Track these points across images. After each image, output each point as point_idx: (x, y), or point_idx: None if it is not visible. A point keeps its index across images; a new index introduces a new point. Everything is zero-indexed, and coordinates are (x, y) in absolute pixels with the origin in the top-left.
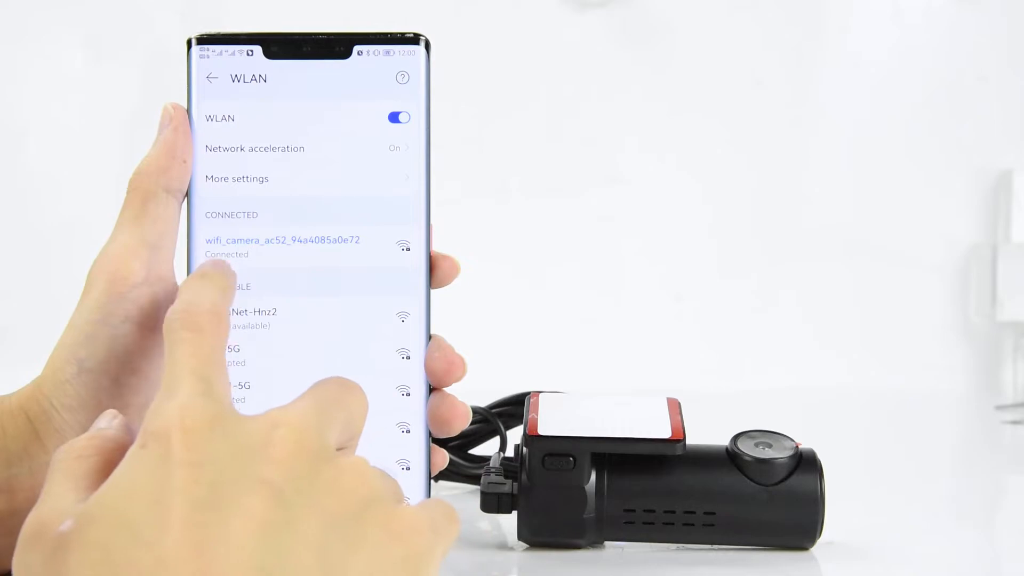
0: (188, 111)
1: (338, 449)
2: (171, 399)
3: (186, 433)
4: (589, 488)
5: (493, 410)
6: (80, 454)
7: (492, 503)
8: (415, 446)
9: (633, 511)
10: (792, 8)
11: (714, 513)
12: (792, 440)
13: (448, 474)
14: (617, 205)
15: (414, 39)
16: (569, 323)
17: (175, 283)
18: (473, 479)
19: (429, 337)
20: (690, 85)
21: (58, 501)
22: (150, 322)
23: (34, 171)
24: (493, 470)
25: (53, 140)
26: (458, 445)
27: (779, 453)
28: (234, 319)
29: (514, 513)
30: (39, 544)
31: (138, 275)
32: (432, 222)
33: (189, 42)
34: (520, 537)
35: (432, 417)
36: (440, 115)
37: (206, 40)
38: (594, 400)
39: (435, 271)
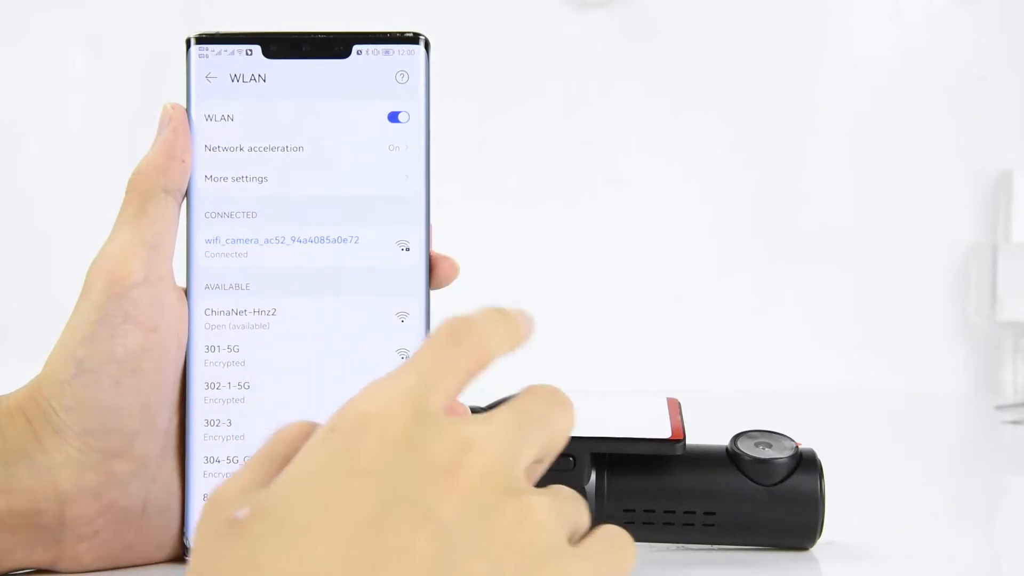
0: (187, 111)
1: (535, 462)
2: (385, 387)
3: (381, 433)
4: (589, 488)
5: None
6: (287, 438)
7: None
8: None
9: (633, 511)
10: (792, 8)
11: (714, 513)
12: (792, 440)
13: None
14: (617, 205)
15: (414, 39)
16: (569, 323)
17: (174, 283)
18: None
19: None
20: (690, 85)
21: (243, 478)
22: (149, 322)
23: (34, 171)
24: None
25: (53, 140)
26: None
27: (779, 453)
28: (234, 319)
29: None
30: (212, 521)
31: (137, 275)
32: (432, 222)
33: (188, 41)
34: None
35: None
36: (440, 115)
37: (205, 40)
38: (594, 400)
39: (435, 272)
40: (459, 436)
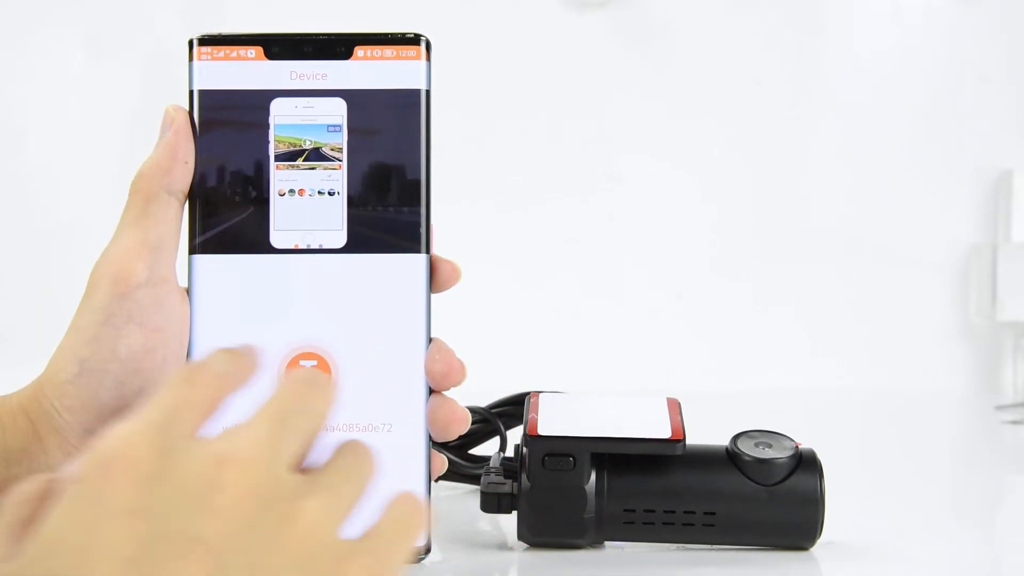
0: (190, 112)
1: (302, 469)
2: (124, 428)
3: (131, 469)
4: (589, 488)
5: (493, 410)
6: (26, 498)
7: (492, 503)
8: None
9: (633, 511)
10: (792, 8)
11: (714, 513)
12: (792, 440)
13: (448, 474)
14: (617, 205)
15: (414, 39)
16: (569, 323)
17: (177, 284)
18: (473, 479)
19: (429, 340)
20: (690, 85)
21: None
22: (152, 323)
23: (34, 171)
24: (493, 470)
25: (53, 140)
26: (458, 445)
27: (779, 453)
28: None
29: (514, 513)
30: None
31: (140, 276)
32: (432, 223)
33: (191, 43)
34: (520, 537)
35: (431, 420)
36: (440, 115)
37: (208, 41)
38: (594, 400)
39: (436, 275)
40: (211, 454)
